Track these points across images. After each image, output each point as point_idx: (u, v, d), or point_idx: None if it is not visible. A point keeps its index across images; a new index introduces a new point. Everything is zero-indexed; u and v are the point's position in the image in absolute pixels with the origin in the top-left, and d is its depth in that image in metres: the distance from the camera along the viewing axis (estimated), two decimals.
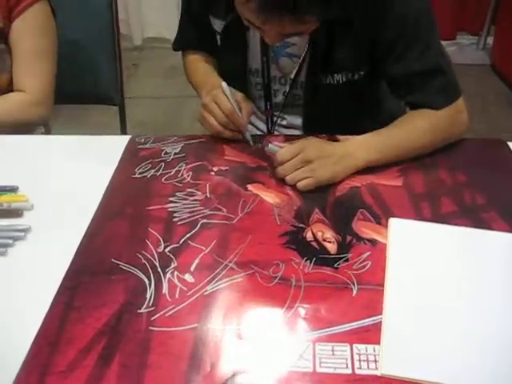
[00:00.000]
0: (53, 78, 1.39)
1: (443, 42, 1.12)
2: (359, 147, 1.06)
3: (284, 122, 1.30)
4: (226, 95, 1.09)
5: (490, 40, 3.55)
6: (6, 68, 1.36)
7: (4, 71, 1.36)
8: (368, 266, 0.84)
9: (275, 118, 1.28)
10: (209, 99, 1.11)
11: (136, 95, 2.79)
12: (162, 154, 1.13)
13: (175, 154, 1.13)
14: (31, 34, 1.33)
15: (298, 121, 1.28)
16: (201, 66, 1.32)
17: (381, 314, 0.75)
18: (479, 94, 3.06)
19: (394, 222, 0.91)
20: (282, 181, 1.02)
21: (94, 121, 2.44)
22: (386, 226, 0.91)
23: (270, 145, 1.04)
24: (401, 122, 1.11)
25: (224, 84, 1.09)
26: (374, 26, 1.06)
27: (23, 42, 1.33)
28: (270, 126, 1.30)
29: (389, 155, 1.06)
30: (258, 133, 1.33)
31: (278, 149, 1.03)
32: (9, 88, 1.38)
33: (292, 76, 1.19)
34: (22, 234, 0.94)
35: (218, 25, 1.21)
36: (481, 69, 3.40)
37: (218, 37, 1.23)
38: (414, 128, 1.09)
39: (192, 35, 1.32)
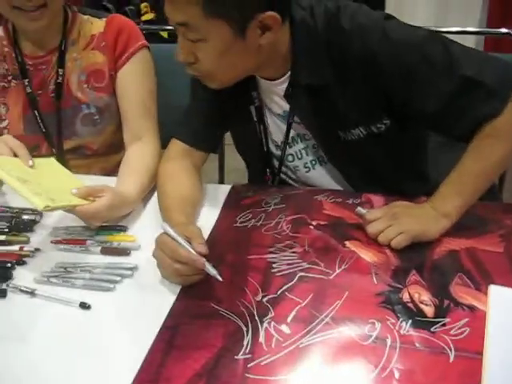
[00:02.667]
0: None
1: None
2: (442, 199, 1.05)
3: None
4: (171, 237, 0.93)
5: None
6: (113, 120, 1.44)
7: (111, 123, 1.44)
8: (466, 332, 0.83)
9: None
10: (156, 251, 0.96)
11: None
12: (263, 204, 1.17)
13: (275, 204, 1.17)
14: (137, 79, 1.40)
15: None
16: (173, 193, 1.15)
17: (479, 383, 0.74)
18: None
19: (494, 290, 0.90)
20: None
21: None
22: (485, 293, 0.90)
23: (358, 208, 1.06)
24: (469, 153, 1.06)
25: (164, 224, 0.95)
26: (369, 81, 1.07)
27: (131, 88, 1.39)
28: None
29: (474, 193, 1.06)
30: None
31: (367, 210, 1.05)
32: (113, 139, 1.46)
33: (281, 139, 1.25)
34: (130, 272, 1.00)
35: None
36: None
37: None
38: (484, 152, 1.05)
39: (192, 127, 1.26)
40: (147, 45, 1.41)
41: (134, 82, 1.39)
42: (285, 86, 1.15)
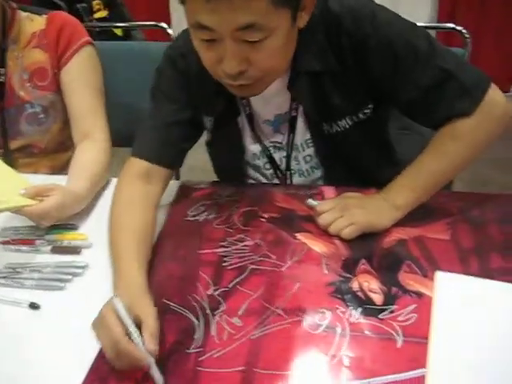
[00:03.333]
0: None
1: None
2: (396, 192, 1.07)
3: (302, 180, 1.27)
4: (119, 316, 0.79)
5: None
6: (58, 118, 1.42)
7: (56, 121, 1.42)
8: (413, 318, 0.84)
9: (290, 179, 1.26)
10: (97, 326, 0.82)
11: None
12: (215, 196, 1.18)
13: (227, 196, 1.17)
14: (83, 77, 1.37)
15: (317, 173, 1.24)
16: (128, 228, 1.01)
17: (425, 367, 0.76)
18: None
19: (440, 276, 0.92)
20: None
21: None
22: (432, 279, 0.92)
23: (309, 199, 1.07)
24: (430, 150, 1.07)
25: (116, 301, 0.81)
26: (359, 65, 1.05)
27: (76, 85, 1.37)
28: (286, 181, 1.26)
29: (428, 190, 1.07)
30: None
31: (318, 202, 1.06)
32: (60, 137, 1.44)
33: (285, 137, 1.18)
34: (81, 270, 0.99)
35: (207, 123, 1.19)
36: None
37: (209, 134, 1.23)
38: (445, 152, 1.06)
39: (156, 143, 1.14)
40: (91, 41, 1.39)
41: (80, 79, 1.37)
42: (286, 77, 1.09)
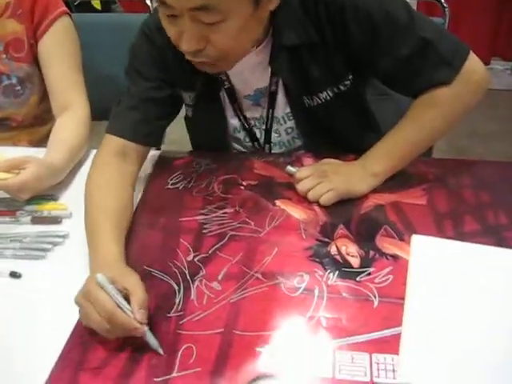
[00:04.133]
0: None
1: None
2: (374, 159, 1.08)
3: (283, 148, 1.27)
4: (105, 291, 0.79)
5: None
6: (36, 90, 1.40)
7: (34, 93, 1.41)
8: (389, 280, 0.86)
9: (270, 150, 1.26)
10: (83, 303, 0.80)
11: None
12: (194, 165, 1.18)
13: (206, 164, 1.18)
14: (61, 48, 1.35)
15: (298, 142, 1.25)
16: (105, 207, 0.99)
17: (400, 325, 0.78)
18: None
19: (416, 239, 0.94)
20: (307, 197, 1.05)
21: None
22: (408, 243, 0.94)
23: (288, 167, 1.08)
24: (408, 118, 1.08)
25: (100, 277, 0.80)
26: (338, 36, 1.04)
27: (54, 57, 1.34)
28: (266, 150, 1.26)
29: (405, 158, 1.09)
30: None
31: (297, 169, 1.07)
32: (37, 109, 1.42)
33: (264, 111, 1.18)
34: (61, 239, 1.00)
35: (187, 98, 1.19)
36: None
37: (189, 109, 1.21)
38: (423, 121, 1.07)
39: (132, 121, 1.12)
40: (68, 11, 1.36)
41: (58, 51, 1.34)
42: (266, 52, 1.08)
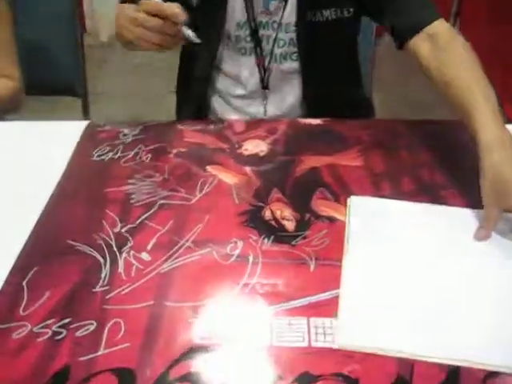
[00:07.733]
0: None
1: None
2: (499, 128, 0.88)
3: (279, 71, 1.25)
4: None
5: None
6: None
7: None
8: (326, 242, 0.83)
9: (267, 64, 1.24)
10: (131, 12, 0.99)
11: (104, 91, 2.79)
12: (121, 136, 1.11)
13: (134, 135, 1.11)
14: None
15: (294, 65, 1.24)
16: None
17: (338, 288, 0.75)
18: None
19: (353, 199, 0.91)
20: (240, 161, 1.01)
21: (59, 117, 2.42)
22: (344, 204, 0.91)
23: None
24: (460, 68, 0.98)
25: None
26: None
27: None
28: (263, 75, 1.25)
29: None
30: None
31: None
32: None
33: (279, 17, 1.18)
34: None
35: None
36: None
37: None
38: (461, 56, 1.00)
39: None
40: None
41: None
42: None
